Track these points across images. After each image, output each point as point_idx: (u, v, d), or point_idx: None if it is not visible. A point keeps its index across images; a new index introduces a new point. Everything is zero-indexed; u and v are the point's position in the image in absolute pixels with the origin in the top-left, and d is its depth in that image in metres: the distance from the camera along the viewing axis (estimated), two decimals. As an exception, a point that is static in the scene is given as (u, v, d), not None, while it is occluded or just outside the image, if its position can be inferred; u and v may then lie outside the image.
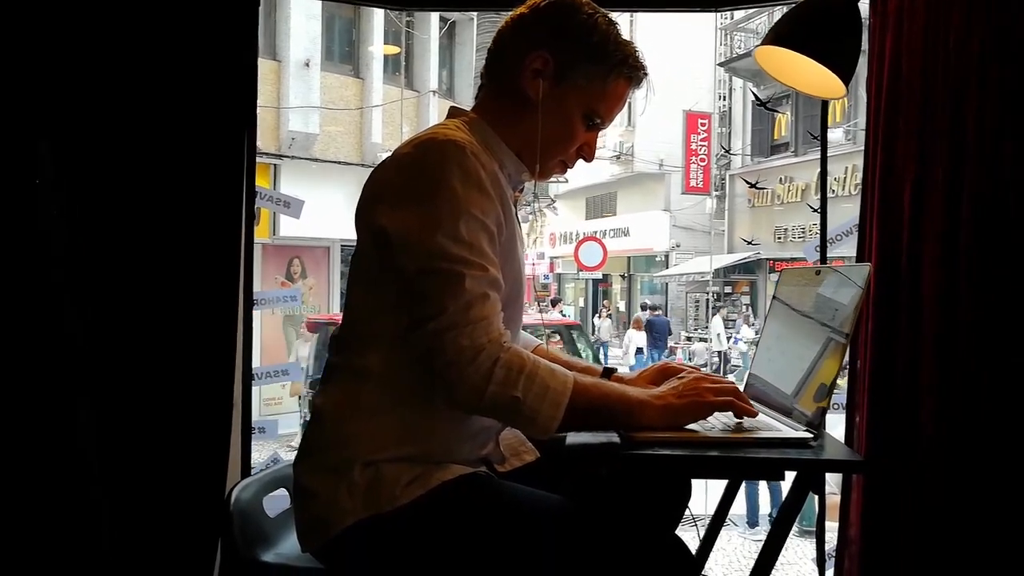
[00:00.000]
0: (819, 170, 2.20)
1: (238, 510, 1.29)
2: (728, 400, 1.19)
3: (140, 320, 1.83)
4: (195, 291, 1.85)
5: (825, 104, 1.97)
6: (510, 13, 1.32)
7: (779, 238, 16.25)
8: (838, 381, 1.24)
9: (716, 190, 18.49)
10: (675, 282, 19.63)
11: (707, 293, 18.19)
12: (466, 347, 1.08)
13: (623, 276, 22.29)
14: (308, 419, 1.25)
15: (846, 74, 1.58)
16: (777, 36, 1.64)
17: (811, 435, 1.18)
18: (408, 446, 1.17)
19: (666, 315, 17.05)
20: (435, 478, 1.15)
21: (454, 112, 1.31)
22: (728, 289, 18.31)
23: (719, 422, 1.25)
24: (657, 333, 14.43)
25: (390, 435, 1.17)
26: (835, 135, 13.62)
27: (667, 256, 19.90)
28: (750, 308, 17.89)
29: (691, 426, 1.20)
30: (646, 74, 1.29)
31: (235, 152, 1.91)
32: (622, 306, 22.26)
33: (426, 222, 1.11)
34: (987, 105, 1.71)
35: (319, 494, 1.16)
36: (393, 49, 11.03)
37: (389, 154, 1.24)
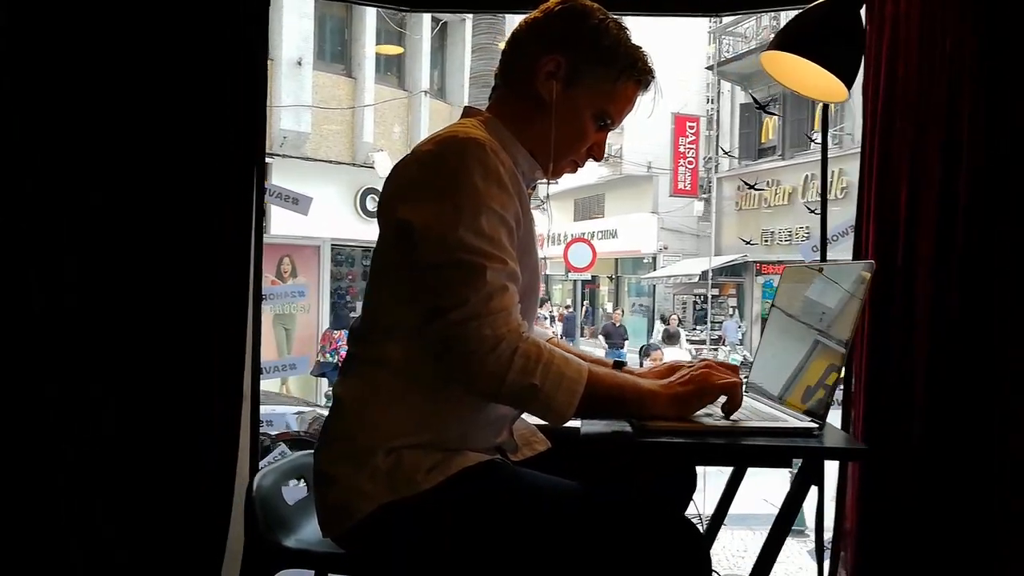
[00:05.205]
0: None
1: (260, 497, 1.32)
2: (733, 381, 1.22)
3: (159, 317, 1.88)
4: (210, 290, 1.91)
5: (825, 107, 2.02)
6: (524, 17, 1.36)
7: (766, 241, 16.36)
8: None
9: (704, 193, 18.60)
10: (663, 284, 19.72)
11: (693, 295, 18.29)
12: (487, 336, 1.11)
13: (611, 278, 22.36)
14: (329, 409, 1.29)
15: (848, 78, 1.63)
16: (782, 42, 1.68)
17: (816, 424, 1.23)
18: (426, 433, 1.21)
19: (653, 316, 17.30)
20: (455, 464, 1.19)
21: (469, 112, 1.35)
22: (715, 291, 18.44)
23: (726, 413, 1.29)
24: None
25: (409, 423, 1.20)
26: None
27: (655, 258, 19.99)
28: (736, 310, 18.02)
29: (699, 417, 1.25)
30: (654, 77, 1.34)
31: (247, 158, 1.97)
32: (609, 307, 22.34)
33: (448, 216, 1.14)
34: (980, 106, 1.75)
35: (341, 480, 1.19)
36: (396, 49, 11.04)
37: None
